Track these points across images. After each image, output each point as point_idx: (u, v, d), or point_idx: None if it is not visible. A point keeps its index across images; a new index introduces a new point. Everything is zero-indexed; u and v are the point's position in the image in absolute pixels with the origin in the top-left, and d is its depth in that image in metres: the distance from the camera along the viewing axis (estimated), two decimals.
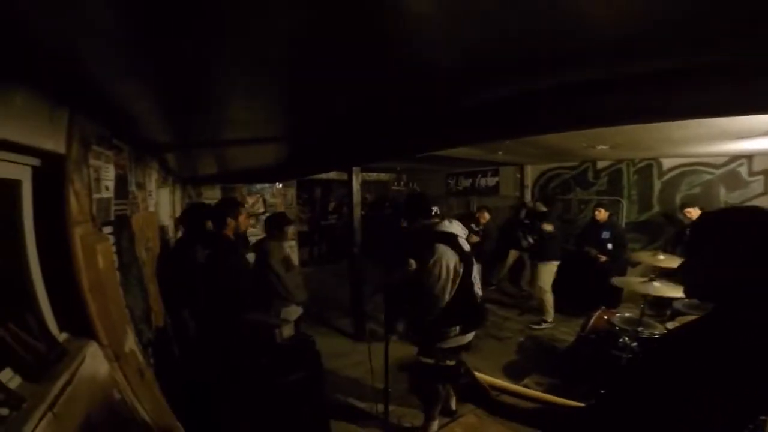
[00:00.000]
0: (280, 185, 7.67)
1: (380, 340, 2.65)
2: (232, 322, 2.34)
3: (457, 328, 2.55)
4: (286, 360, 2.20)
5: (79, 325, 1.49)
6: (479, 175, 7.90)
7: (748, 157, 4.59)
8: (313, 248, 9.73)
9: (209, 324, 2.49)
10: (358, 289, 4.65)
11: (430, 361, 1.33)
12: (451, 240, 2.51)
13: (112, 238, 1.84)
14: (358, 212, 4.68)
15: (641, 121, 2.32)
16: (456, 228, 2.59)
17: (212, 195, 6.63)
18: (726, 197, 4.82)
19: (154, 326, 2.38)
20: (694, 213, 4.36)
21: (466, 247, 2.59)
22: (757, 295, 0.86)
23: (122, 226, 2.05)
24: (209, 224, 2.83)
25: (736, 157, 4.69)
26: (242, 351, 2.22)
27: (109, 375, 1.51)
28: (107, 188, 1.91)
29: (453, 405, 3.03)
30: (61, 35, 0.97)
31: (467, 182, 8.20)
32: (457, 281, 2.47)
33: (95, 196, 1.72)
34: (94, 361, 1.44)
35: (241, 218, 2.82)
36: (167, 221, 3.89)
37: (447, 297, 2.46)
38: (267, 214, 7.34)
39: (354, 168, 4.56)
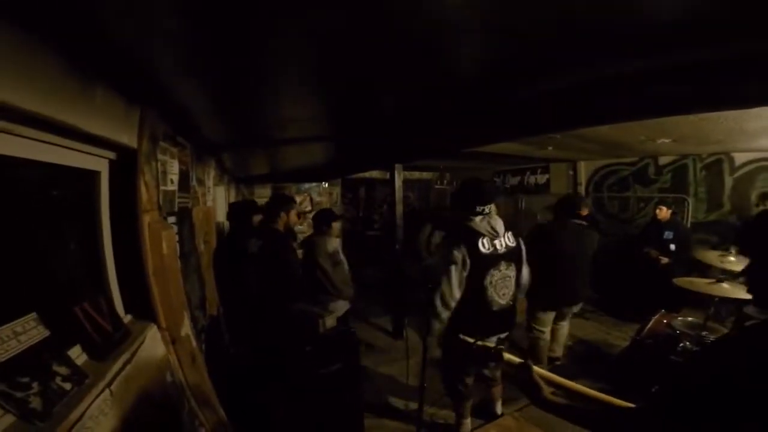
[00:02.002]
0: (326, 184, 7.88)
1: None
2: (281, 310, 2.44)
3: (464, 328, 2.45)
4: (328, 350, 2.26)
5: (143, 308, 1.62)
6: (528, 173, 7.60)
7: None
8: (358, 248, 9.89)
9: (260, 312, 2.61)
10: (398, 288, 4.66)
11: (470, 339, 1.32)
12: (469, 239, 2.33)
13: (175, 228, 1.99)
14: (400, 210, 4.68)
15: (710, 110, 2.15)
16: (484, 226, 2.37)
17: (263, 194, 6.95)
18: None
19: (208, 314, 2.54)
20: None
21: (495, 248, 2.36)
22: None
23: (184, 217, 2.21)
24: (256, 219, 2.99)
25: None
26: (289, 339, 2.31)
27: (165, 357, 1.63)
28: (172, 181, 2.07)
29: (498, 409, 2.95)
30: (134, 37, 1.07)
31: (515, 180, 7.92)
32: (463, 283, 2.34)
33: (162, 187, 1.87)
34: (153, 343, 1.57)
35: (292, 213, 2.95)
36: (222, 217, 4.13)
37: (453, 296, 2.35)
38: (314, 212, 7.59)
39: (396, 165, 4.56)
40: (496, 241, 2.38)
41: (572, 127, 2.71)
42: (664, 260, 4.49)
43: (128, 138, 1.57)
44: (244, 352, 2.72)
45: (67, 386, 1.08)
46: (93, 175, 1.56)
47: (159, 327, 1.65)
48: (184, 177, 2.27)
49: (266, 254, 2.73)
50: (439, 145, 3.63)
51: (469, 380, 2.66)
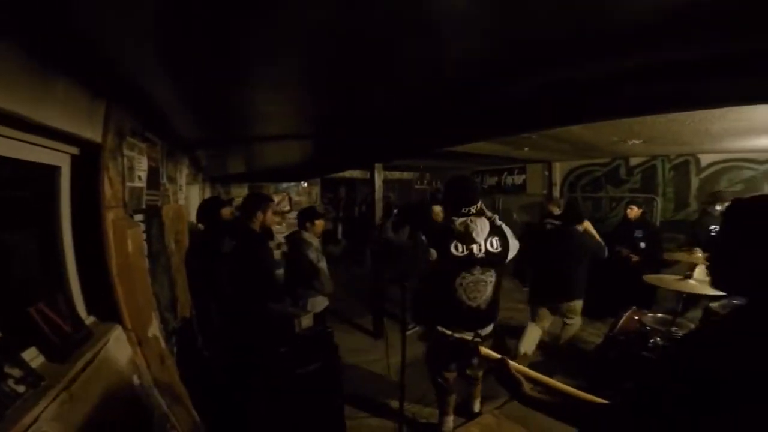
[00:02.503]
0: (305, 184, 7.82)
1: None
2: (255, 311, 2.40)
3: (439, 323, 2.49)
4: (305, 350, 2.23)
5: (106, 309, 1.56)
6: (505, 173, 7.74)
7: None
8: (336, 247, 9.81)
9: (233, 313, 2.56)
10: (378, 287, 4.65)
11: (448, 331, 1.32)
12: (443, 241, 2.36)
13: (142, 226, 1.92)
14: (379, 209, 4.69)
15: (683, 110, 2.22)
16: (461, 230, 2.36)
17: (241, 193, 6.84)
18: None
19: (180, 316, 2.47)
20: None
21: (470, 252, 2.35)
22: None
23: (153, 215, 2.14)
24: (225, 212, 2.94)
25: None
26: (263, 340, 2.26)
27: (131, 359, 1.57)
28: (140, 178, 2.00)
29: (476, 407, 2.98)
30: (100, 29, 1.03)
31: (493, 180, 8.05)
32: (435, 280, 2.41)
33: (128, 184, 1.80)
34: (118, 345, 1.50)
35: (269, 213, 2.88)
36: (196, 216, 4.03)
37: (430, 293, 2.44)
38: (293, 212, 7.50)
39: (376, 165, 4.56)
40: (474, 246, 2.35)
41: (547, 126, 2.77)
42: (635, 258, 4.62)
43: (92, 133, 1.51)
44: (219, 354, 2.66)
45: (21, 389, 1.04)
46: (53, 170, 1.49)
47: (124, 328, 1.58)
48: (153, 174, 2.20)
49: (240, 254, 2.68)
50: (418, 145, 3.64)
51: (450, 375, 2.66)
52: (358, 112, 2.30)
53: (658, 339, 2.94)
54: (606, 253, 3.54)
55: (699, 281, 2.81)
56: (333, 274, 3.71)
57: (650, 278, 3.13)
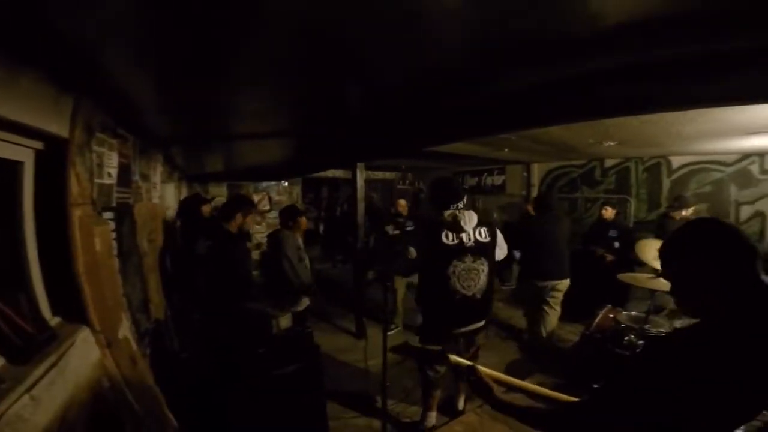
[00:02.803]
0: (286, 183, 7.72)
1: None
2: (231, 312, 2.35)
3: (435, 319, 2.57)
4: (283, 351, 2.19)
5: (73, 309, 1.50)
6: (485, 174, 7.85)
7: (761, 155, 4.50)
8: (318, 247, 9.72)
9: (209, 314, 2.50)
10: (360, 287, 4.64)
11: (417, 345, 1.33)
12: (434, 231, 2.47)
13: (112, 224, 1.85)
14: (361, 209, 4.67)
15: (652, 111, 2.27)
16: (450, 221, 2.47)
17: (219, 192, 6.70)
18: (737, 195, 4.73)
19: (153, 317, 2.39)
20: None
21: (461, 241, 2.46)
22: (742, 305, 0.88)
23: (124, 213, 2.06)
24: (205, 210, 2.88)
25: (747, 155, 4.60)
26: (240, 341, 2.22)
27: (100, 361, 1.51)
28: (110, 175, 1.93)
29: (460, 405, 3.00)
30: (68, 20, 0.98)
31: (473, 181, 8.16)
32: (429, 272, 2.50)
33: (97, 180, 1.74)
34: (85, 346, 1.44)
35: (249, 218, 2.84)
36: (172, 215, 3.92)
37: (422, 286, 2.55)
38: (273, 212, 7.40)
39: (358, 164, 4.54)
40: (463, 235, 2.47)
41: (526, 126, 2.79)
42: (609, 258, 4.74)
43: (58, 127, 1.45)
44: (195, 356, 2.59)
45: None
46: (15, 166, 1.42)
47: (92, 329, 1.52)
48: (124, 171, 2.12)
49: (216, 255, 2.62)
50: (400, 144, 3.64)
51: (441, 368, 2.67)
52: (340, 111, 2.29)
53: (633, 336, 3.02)
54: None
55: None
56: (315, 273, 3.71)
57: (624, 277, 3.22)
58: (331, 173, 7.99)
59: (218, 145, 3.45)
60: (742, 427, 1.49)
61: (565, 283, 4.06)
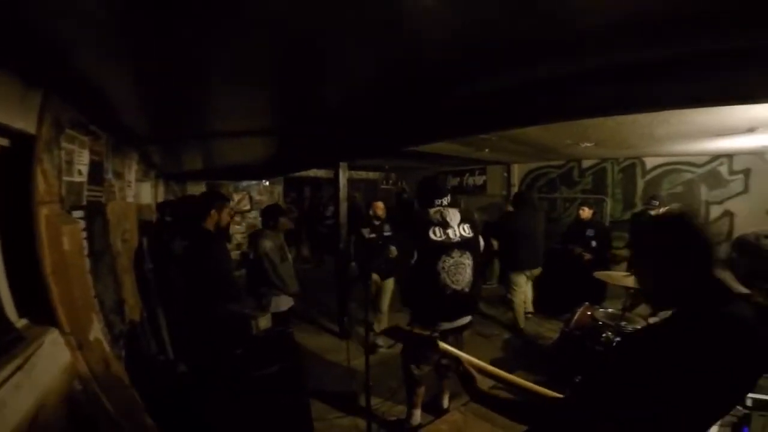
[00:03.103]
0: (267, 183, 7.62)
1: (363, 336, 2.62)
2: (209, 313, 2.29)
3: (423, 314, 2.62)
4: (263, 352, 2.15)
5: (40, 311, 1.44)
6: (467, 174, 7.95)
7: (729, 156, 4.68)
8: (300, 247, 9.61)
9: (186, 316, 2.44)
10: (344, 287, 4.61)
11: (407, 328, 1.33)
12: (422, 228, 2.54)
13: (83, 223, 1.79)
14: (344, 209, 4.65)
15: (625, 112, 2.33)
16: (436, 217, 2.56)
17: (197, 191, 6.54)
18: (707, 195, 4.90)
19: (128, 319, 2.32)
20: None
21: (447, 236, 2.54)
22: (710, 297, 0.91)
23: (95, 212, 2.00)
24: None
25: (717, 157, 4.78)
26: (218, 342, 2.17)
27: (71, 364, 1.46)
28: (80, 172, 1.86)
29: (445, 403, 3.01)
30: (36, 12, 0.94)
31: (455, 181, 8.24)
32: (420, 268, 2.54)
33: (66, 178, 1.67)
34: (54, 349, 1.39)
35: (224, 213, 2.75)
36: (148, 215, 3.82)
37: (412, 282, 2.62)
38: (253, 212, 7.30)
39: (341, 164, 4.52)
40: (449, 230, 2.55)
41: (505, 127, 2.83)
42: (587, 256, 4.84)
43: (24, 123, 1.40)
44: (174, 358, 2.54)
45: None
46: None
47: (61, 331, 1.46)
48: (96, 168, 2.05)
49: (193, 255, 2.56)
50: (383, 143, 3.63)
51: (425, 366, 2.71)
52: (321, 110, 2.27)
53: (610, 333, 3.08)
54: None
55: None
56: (299, 274, 3.67)
57: (600, 275, 3.30)
58: (313, 173, 7.93)
59: (197, 143, 3.38)
60: (718, 423, 1.54)
61: (539, 270, 4.68)
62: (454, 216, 2.61)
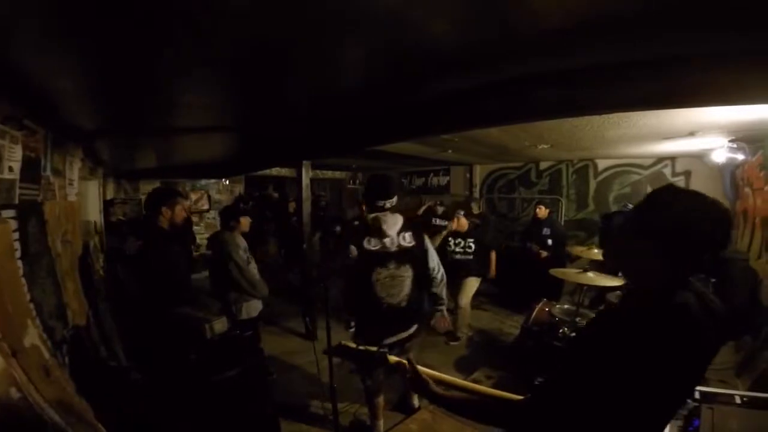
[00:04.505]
0: (227, 181, 7.37)
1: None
2: (160, 317, 2.18)
3: (362, 328, 2.55)
4: (219, 356, 2.07)
5: None
6: (431, 174, 8.08)
7: (672, 158, 5.00)
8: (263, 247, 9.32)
9: (139, 320, 2.31)
10: (308, 288, 4.53)
11: (352, 345, 1.30)
12: (357, 236, 2.42)
13: (14, 224, 1.64)
14: (308, 209, 4.57)
15: (575, 115, 2.43)
16: (374, 224, 2.42)
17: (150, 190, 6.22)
18: None
19: (72, 324, 2.17)
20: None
21: (383, 246, 2.39)
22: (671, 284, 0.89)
23: (30, 212, 1.84)
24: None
25: (661, 159, 5.10)
26: (169, 347, 2.07)
27: (5, 371, 1.34)
28: (11, 169, 1.70)
29: (415, 402, 2.97)
30: None
31: (420, 181, 8.36)
32: (353, 278, 2.44)
33: None
34: None
35: (178, 209, 2.61)
36: (95, 216, 3.59)
37: (352, 292, 2.49)
38: (211, 212, 7.04)
39: (304, 162, 4.44)
40: (386, 240, 2.38)
41: (463, 127, 2.86)
42: (544, 254, 5.03)
43: None
44: (127, 365, 2.39)
45: None
46: None
47: None
48: (31, 165, 1.89)
49: (147, 255, 2.43)
50: (345, 142, 3.59)
51: (378, 375, 2.60)
52: (283, 107, 2.21)
53: (566, 329, 3.19)
54: None
55: (595, 274, 3.12)
56: (265, 276, 3.54)
57: (555, 272, 3.42)
58: (276, 171, 7.76)
59: (148, 139, 3.20)
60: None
61: None
62: (393, 223, 2.43)
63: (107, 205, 2.86)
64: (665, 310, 0.85)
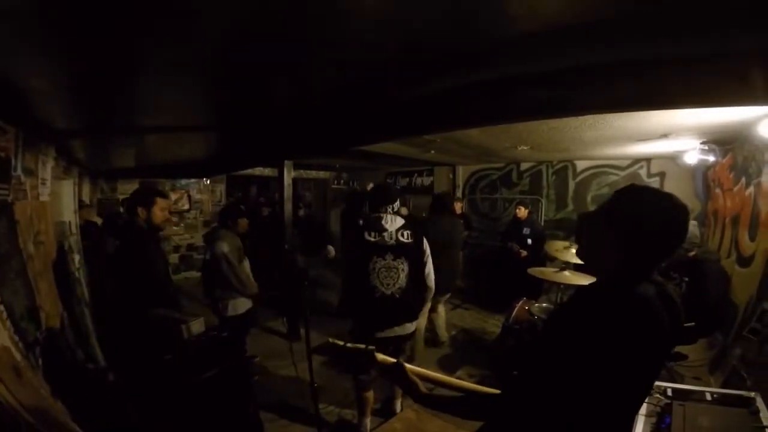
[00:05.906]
0: (208, 181, 7.26)
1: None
2: (136, 317, 2.15)
3: (357, 320, 2.64)
4: (196, 358, 2.05)
5: None
6: (415, 175, 8.13)
7: (648, 160, 5.15)
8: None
9: (117, 320, 2.26)
10: (290, 288, 4.50)
11: (340, 342, 1.30)
12: (359, 230, 2.57)
13: None
14: (289, 209, 4.55)
15: (555, 116, 2.48)
16: (374, 221, 2.58)
17: (128, 191, 6.09)
18: None
19: (45, 326, 2.12)
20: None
21: (382, 239, 2.53)
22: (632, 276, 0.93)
23: (0, 212, 1.79)
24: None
25: (637, 161, 5.24)
26: (145, 348, 2.04)
27: None
28: None
29: (397, 407, 3.00)
30: None
31: (405, 181, 8.40)
32: (352, 268, 2.59)
33: None
34: None
35: (156, 209, 2.56)
36: (70, 216, 3.49)
37: (349, 286, 2.64)
38: (192, 212, 6.92)
39: (286, 162, 4.41)
40: (384, 233, 2.54)
41: (446, 128, 2.90)
42: (524, 253, 5.12)
43: None
44: (105, 366, 2.34)
45: None
46: None
47: None
48: (1, 165, 1.85)
49: (124, 255, 2.38)
50: (326, 142, 3.59)
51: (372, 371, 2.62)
52: (263, 107, 2.20)
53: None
54: None
55: (572, 273, 3.20)
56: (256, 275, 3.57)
57: (534, 271, 3.49)
58: (259, 171, 7.68)
59: (125, 138, 3.14)
60: (643, 414, 1.64)
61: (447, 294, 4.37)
62: (393, 221, 2.61)
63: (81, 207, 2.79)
64: (622, 298, 0.89)
